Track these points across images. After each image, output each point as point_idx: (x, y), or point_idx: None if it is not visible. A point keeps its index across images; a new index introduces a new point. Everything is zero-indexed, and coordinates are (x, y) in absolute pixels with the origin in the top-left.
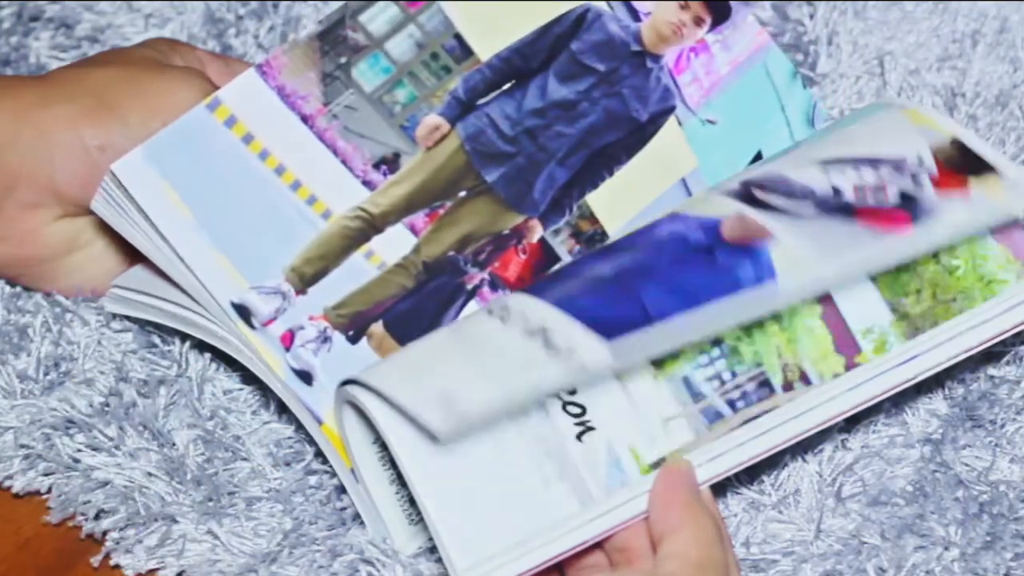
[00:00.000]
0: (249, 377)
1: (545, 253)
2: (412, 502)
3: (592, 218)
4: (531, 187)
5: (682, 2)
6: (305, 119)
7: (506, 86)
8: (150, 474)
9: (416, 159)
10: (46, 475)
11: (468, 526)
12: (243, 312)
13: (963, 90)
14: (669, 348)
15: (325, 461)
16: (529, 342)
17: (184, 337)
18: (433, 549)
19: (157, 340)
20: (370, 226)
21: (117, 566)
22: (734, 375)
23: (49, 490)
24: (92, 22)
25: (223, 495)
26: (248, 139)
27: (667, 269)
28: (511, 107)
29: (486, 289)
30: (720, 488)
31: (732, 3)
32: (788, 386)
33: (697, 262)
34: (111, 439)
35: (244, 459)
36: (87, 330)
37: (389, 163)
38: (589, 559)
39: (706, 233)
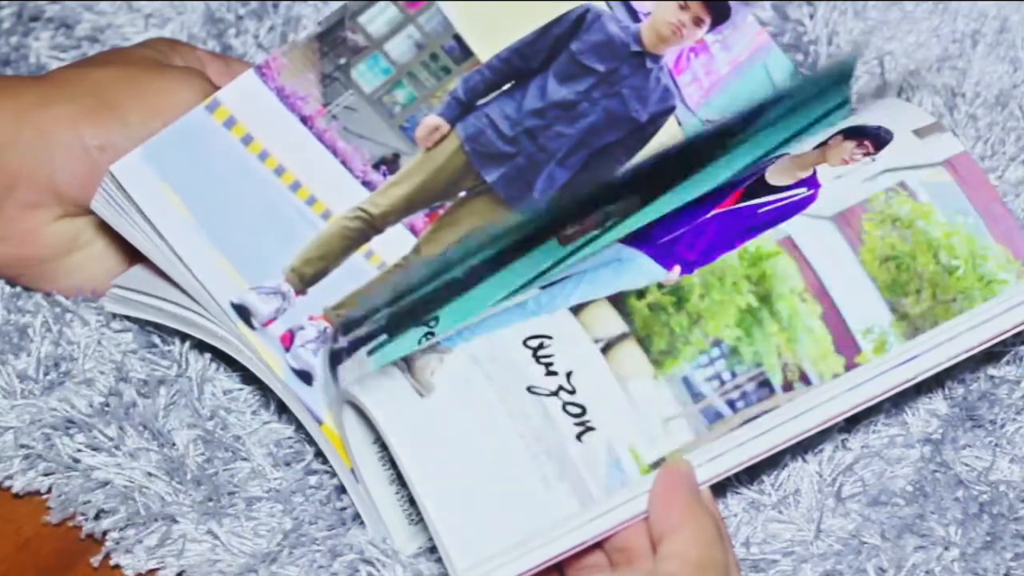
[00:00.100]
0: (249, 377)
1: None
2: (412, 502)
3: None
4: (531, 187)
5: (681, 2)
6: (304, 120)
7: (506, 87)
8: (150, 474)
9: (415, 160)
10: (46, 475)
11: (468, 526)
12: (243, 312)
13: (963, 90)
14: None
15: (325, 461)
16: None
17: (184, 337)
18: (433, 549)
19: (157, 340)
20: (370, 226)
21: (117, 566)
22: (734, 375)
23: (49, 490)
24: (92, 22)
25: (223, 495)
26: (247, 140)
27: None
28: (511, 108)
29: None
30: (720, 488)
31: (732, 3)
32: (788, 386)
33: None
34: (111, 439)
35: (244, 459)
36: (87, 330)
37: (389, 164)
38: (589, 559)
39: None
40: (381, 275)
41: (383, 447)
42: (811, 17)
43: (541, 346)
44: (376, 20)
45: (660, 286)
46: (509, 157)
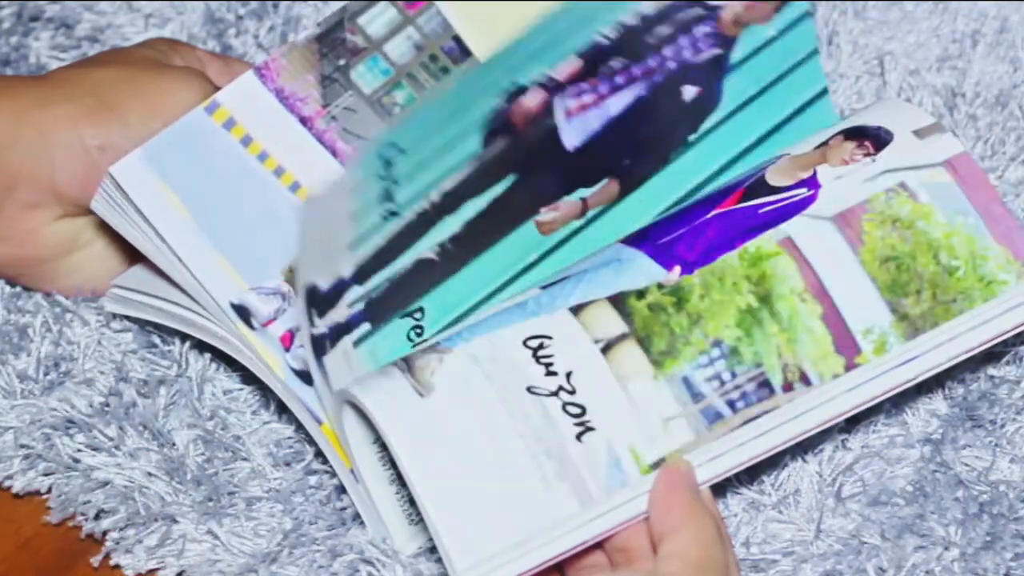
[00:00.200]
0: (249, 377)
1: None
2: (412, 502)
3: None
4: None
5: None
6: (304, 121)
7: None
8: (150, 474)
9: None
10: (46, 475)
11: (468, 526)
12: (243, 313)
13: (963, 90)
14: None
15: (325, 461)
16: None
17: (184, 337)
18: (433, 549)
19: (157, 340)
20: None
21: (117, 566)
22: (734, 375)
23: (49, 490)
24: (92, 22)
25: (223, 495)
26: (247, 141)
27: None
28: None
29: None
30: (720, 488)
31: None
32: (788, 386)
33: None
34: (111, 439)
35: (244, 459)
36: (87, 330)
37: None
38: (589, 559)
39: None
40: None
41: (383, 447)
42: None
43: (541, 346)
44: (375, 21)
45: (660, 286)
46: None
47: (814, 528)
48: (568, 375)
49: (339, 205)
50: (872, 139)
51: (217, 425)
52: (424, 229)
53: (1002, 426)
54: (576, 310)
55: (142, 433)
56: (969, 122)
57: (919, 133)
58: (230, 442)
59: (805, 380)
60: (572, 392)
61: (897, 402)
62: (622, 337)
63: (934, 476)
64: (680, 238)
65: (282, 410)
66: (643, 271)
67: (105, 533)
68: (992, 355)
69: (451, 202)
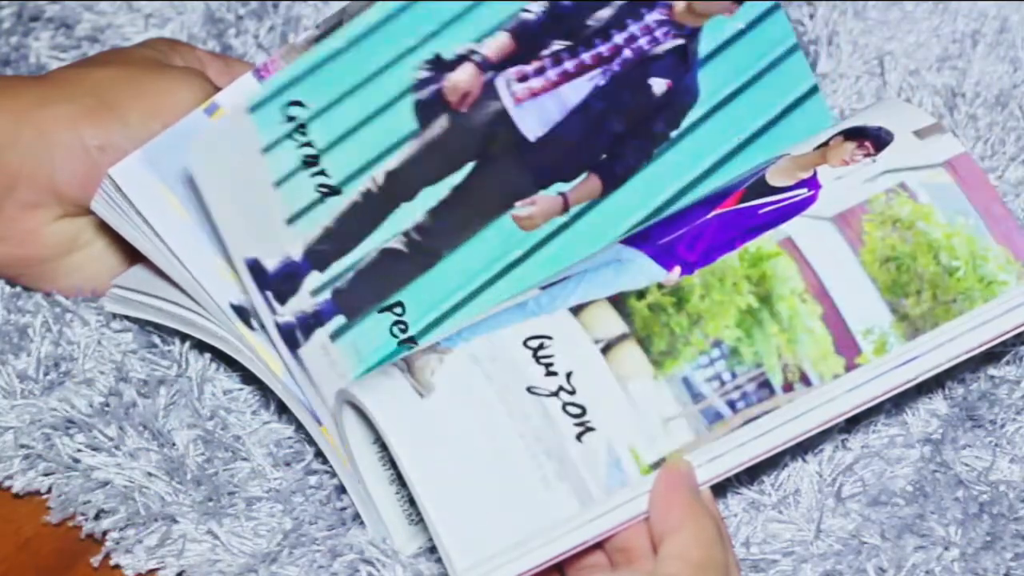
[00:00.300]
0: (249, 377)
1: None
2: (412, 502)
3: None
4: None
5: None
6: None
7: None
8: (150, 474)
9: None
10: (46, 475)
11: (468, 526)
12: (242, 313)
13: (963, 90)
14: None
15: (325, 461)
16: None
17: (184, 337)
18: (433, 549)
19: (157, 340)
20: None
21: (117, 566)
22: (734, 376)
23: (49, 490)
24: (92, 22)
25: (223, 495)
26: None
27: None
28: None
29: None
30: (720, 488)
31: None
32: (788, 387)
33: None
34: (111, 439)
35: (244, 459)
36: (87, 330)
37: None
38: (589, 559)
39: None
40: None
41: (383, 447)
42: (811, 17)
43: (541, 346)
44: None
45: (660, 286)
46: None
47: (814, 528)
48: (568, 375)
49: (242, 151)
50: (872, 139)
51: (217, 425)
52: (379, 214)
53: (1002, 426)
54: (576, 310)
55: (142, 433)
56: (969, 122)
57: (919, 133)
58: (230, 442)
59: (805, 380)
60: (572, 392)
61: (897, 402)
62: (622, 337)
63: (934, 476)
64: (680, 238)
65: (282, 410)
66: (643, 271)
67: (105, 533)
68: (992, 355)
69: (403, 187)
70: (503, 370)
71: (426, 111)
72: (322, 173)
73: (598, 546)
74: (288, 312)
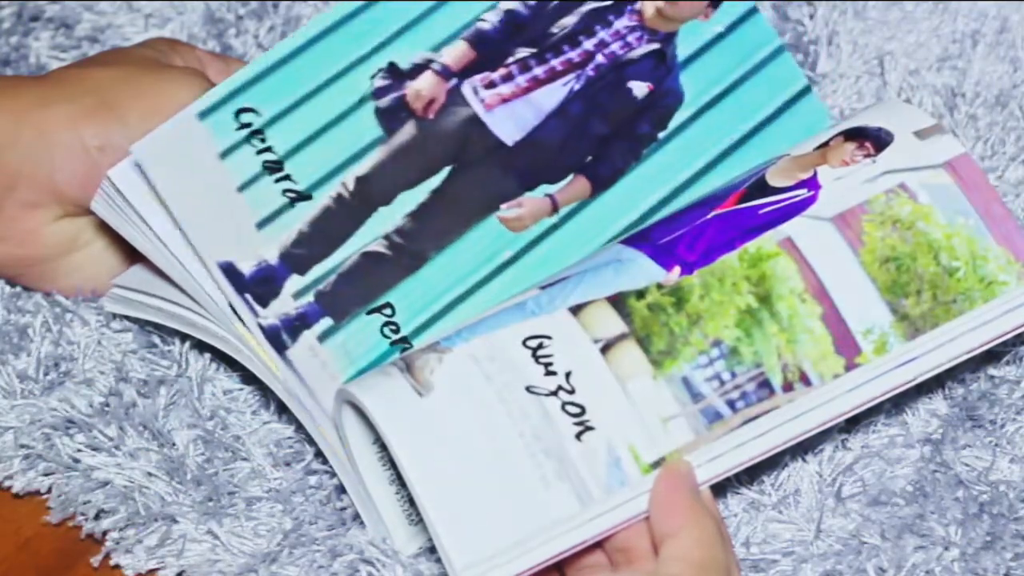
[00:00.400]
0: (249, 377)
1: None
2: (412, 502)
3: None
4: None
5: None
6: None
7: None
8: (150, 474)
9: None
10: (46, 475)
11: (467, 525)
12: None
13: (963, 90)
14: None
15: (325, 461)
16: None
17: (184, 337)
18: (433, 549)
19: (157, 340)
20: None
21: (117, 566)
22: (733, 375)
23: (49, 490)
24: (92, 22)
25: (223, 495)
26: None
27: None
28: None
29: None
30: (720, 488)
31: None
32: (788, 386)
33: None
34: (111, 439)
35: (244, 459)
36: (87, 330)
37: None
38: (589, 559)
39: None
40: None
41: (383, 447)
42: (811, 17)
43: (540, 346)
44: None
45: (660, 286)
46: None
47: (814, 528)
48: (567, 375)
49: (198, 155)
50: (872, 140)
51: (217, 425)
52: (356, 219)
53: (1002, 426)
54: (575, 310)
55: (142, 433)
56: (969, 122)
57: (920, 134)
58: (230, 442)
59: (805, 380)
60: (571, 392)
61: (897, 402)
62: (621, 337)
63: (934, 476)
64: (680, 238)
65: (282, 410)
66: (643, 271)
67: (105, 533)
68: (992, 355)
69: (377, 192)
70: (502, 370)
71: (390, 118)
72: (287, 178)
73: (598, 546)
74: (271, 315)
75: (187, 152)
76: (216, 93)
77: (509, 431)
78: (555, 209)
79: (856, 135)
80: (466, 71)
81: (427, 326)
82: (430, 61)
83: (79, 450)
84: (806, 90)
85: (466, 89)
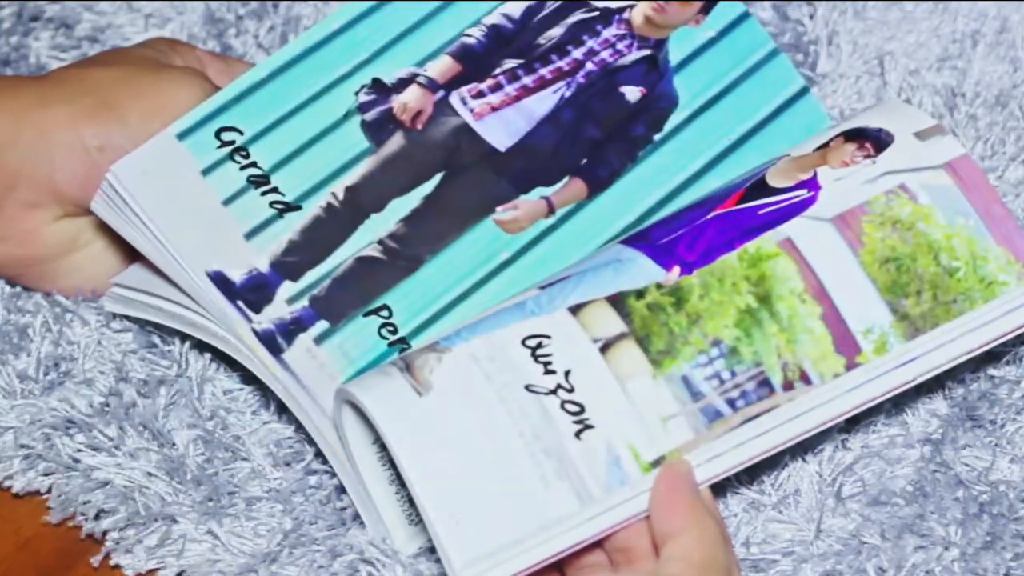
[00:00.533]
0: (249, 377)
1: None
2: (412, 502)
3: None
4: None
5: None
6: None
7: None
8: (150, 474)
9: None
10: (46, 475)
11: (466, 525)
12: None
13: (963, 90)
14: None
15: (325, 461)
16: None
17: (184, 337)
18: (433, 549)
19: (157, 340)
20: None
21: (117, 566)
22: (733, 374)
23: (49, 490)
24: (92, 22)
25: (223, 495)
26: None
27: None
28: None
29: None
30: (720, 488)
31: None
32: (788, 385)
33: None
34: (111, 439)
35: (244, 459)
36: (87, 330)
37: None
38: (589, 558)
39: None
40: None
41: (382, 447)
42: (811, 17)
43: (540, 345)
44: None
45: (659, 286)
46: None
47: (814, 528)
48: (567, 374)
49: (179, 173)
50: (872, 141)
51: (217, 425)
52: (348, 226)
53: (1002, 426)
54: (575, 310)
55: (142, 433)
56: (969, 122)
57: (920, 135)
58: (230, 442)
59: (805, 379)
60: (571, 390)
61: (897, 402)
62: (621, 336)
63: (934, 476)
64: (680, 238)
65: (282, 410)
66: (642, 271)
67: (105, 533)
68: (992, 355)
69: (368, 200)
70: (501, 369)
71: (377, 131)
72: (275, 191)
73: (598, 545)
74: (265, 320)
75: (168, 171)
76: (194, 115)
77: (509, 430)
78: (551, 211)
79: (856, 136)
80: (452, 83)
81: (425, 327)
82: (415, 75)
83: (79, 450)
84: (803, 91)
85: (454, 100)
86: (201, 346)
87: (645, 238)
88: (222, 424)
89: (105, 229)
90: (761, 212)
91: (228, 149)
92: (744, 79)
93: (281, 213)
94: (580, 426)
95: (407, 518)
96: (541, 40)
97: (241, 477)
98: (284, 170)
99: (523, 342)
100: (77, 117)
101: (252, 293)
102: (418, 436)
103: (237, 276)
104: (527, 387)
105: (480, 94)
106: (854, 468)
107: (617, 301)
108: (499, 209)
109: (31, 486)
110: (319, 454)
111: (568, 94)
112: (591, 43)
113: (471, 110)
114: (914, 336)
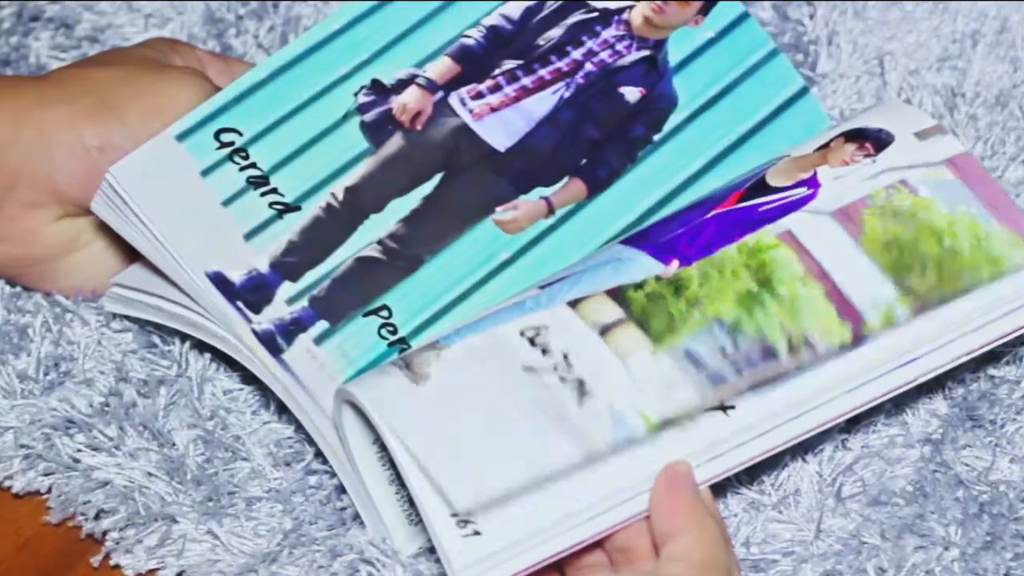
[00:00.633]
0: (249, 377)
1: None
2: (412, 502)
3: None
4: None
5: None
6: None
7: None
8: (150, 474)
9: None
10: (46, 475)
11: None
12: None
13: (963, 90)
14: None
15: (325, 461)
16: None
17: (184, 337)
18: (433, 549)
19: (157, 340)
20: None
21: (117, 566)
22: (737, 347)
23: (49, 490)
24: (92, 22)
25: (223, 495)
26: None
27: None
28: None
29: None
30: (720, 488)
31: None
32: (794, 352)
33: None
34: (111, 439)
35: (244, 459)
36: (87, 330)
37: None
38: (589, 558)
39: None
40: None
41: (382, 447)
42: (811, 17)
43: (538, 334)
44: None
45: (658, 278)
46: None
47: (814, 528)
48: (565, 356)
49: (179, 174)
50: (873, 141)
51: (217, 425)
52: (347, 226)
53: (1002, 426)
54: (573, 303)
55: (142, 433)
56: (969, 122)
57: (920, 135)
58: (230, 442)
59: (811, 347)
60: (569, 368)
61: (897, 402)
62: (619, 321)
63: (934, 476)
64: (679, 236)
65: (282, 410)
66: (642, 267)
67: (105, 533)
68: (992, 355)
69: (368, 200)
70: (499, 355)
71: (376, 131)
72: (274, 192)
73: (598, 545)
74: (265, 320)
75: (167, 172)
76: (194, 116)
77: (508, 409)
78: (551, 211)
79: (856, 136)
80: (451, 84)
81: (425, 327)
82: (414, 76)
83: (79, 450)
84: (803, 92)
85: (453, 100)
86: (201, 346)
87: (644, 238)
88: (222, 424)
89: (105, 229)
90: (761, 209)
91: (227, 150)
92: (744, 79)
93: (281, 214)
94: (581, 395)
95: (407, 518)
96: (540, 41)
97: (241, 477)
98: (283, 171)
99: (521, 333)
100: (77, 117)
101: (252, 293)
102: (416, 430)
103: (237, 277)
104: (525, 368)
105: (479, 95)
106: (854, 468)
107: (616, 293)
108: (499, 209)
109: (31, 486)
110: (319, 454)
111: (567, 95)
112: (590, 44)
113: (470, 111)
114: (921, 311)
